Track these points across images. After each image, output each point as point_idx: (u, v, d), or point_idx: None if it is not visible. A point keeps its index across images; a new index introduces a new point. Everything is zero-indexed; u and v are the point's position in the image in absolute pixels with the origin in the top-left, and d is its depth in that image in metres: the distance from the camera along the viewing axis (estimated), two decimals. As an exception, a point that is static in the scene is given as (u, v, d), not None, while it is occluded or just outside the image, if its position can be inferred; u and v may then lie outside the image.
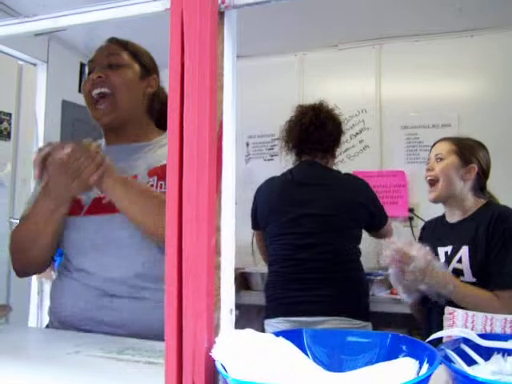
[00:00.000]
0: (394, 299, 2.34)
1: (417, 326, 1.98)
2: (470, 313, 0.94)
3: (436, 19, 2.77)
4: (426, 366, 0.58)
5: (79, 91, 3.15)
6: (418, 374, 0.58)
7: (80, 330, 1.14)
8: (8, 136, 2.78)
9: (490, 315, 0.91)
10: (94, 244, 1.19)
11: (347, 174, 2.15)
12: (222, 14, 0.67)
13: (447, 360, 0.68)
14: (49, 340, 1.12)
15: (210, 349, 0.60)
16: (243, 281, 2.71)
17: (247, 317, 2.45)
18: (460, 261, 1.57)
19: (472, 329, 0.91)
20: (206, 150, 0.63)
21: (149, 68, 1.35)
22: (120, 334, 1.09)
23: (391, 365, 0.62)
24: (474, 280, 1.54)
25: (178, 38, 0.65)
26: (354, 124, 3.10)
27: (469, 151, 1.69)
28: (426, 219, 1.92)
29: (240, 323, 0.66)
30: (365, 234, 2.16)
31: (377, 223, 2.14)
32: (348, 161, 3.05)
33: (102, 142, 1.36)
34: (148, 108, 1.35)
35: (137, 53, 1.34)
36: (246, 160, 3.34)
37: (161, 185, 1.19)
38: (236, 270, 0.68)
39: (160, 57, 1.35)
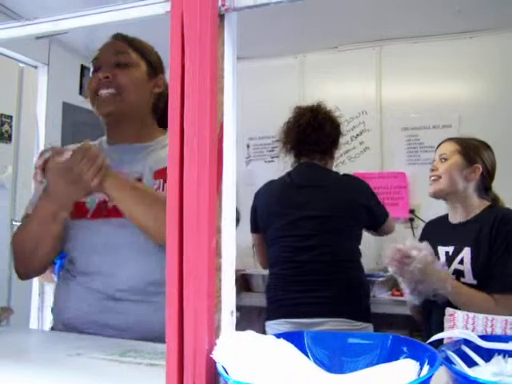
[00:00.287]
0: (395, 300, 2.35)
1: (417, 328, 1.98)
2: (471, 314, 0.94)
3: (435, 21, 2.78)
4: (426, 368, 0.58)
5: (80, 93, 3.16)
6: (418, 375, 0.58)
7: (83, 333, 1.14)
8: (9, 138, 2.78)
9: (490, 316, 0.91)
10: (99, 248, 1.19)
11: (346, 175, 2.14)
12: (222, 17, 0.67)
13: (448, 361, 0.68)
14: (50, 342, 1.12)
15: (210, 350, 0.60)
16: (244, 282, 2.70)
17: (248, 318, 2.45)
18: (462, 262, 1.57)
19: (473, 330, 0.91)
20: (207, 152, 0.63)
21: (156, 67, 1.31)
22: (125, 338, 1.08)
23: (392, 366, 0.62)
24: (474, 282, 1.53)
25: (178, 40, 0.65)
26: (355, 125, 3.10)
27: (473, 151, 1.68)
28: (427, 220, 1.92)
29: (241, 325, 0.66)
30: (365, 236, 2.16)
31: (377, 222, 2.13)
32: (349, 162, 3.05)
33: (104, 141, 1.34)
34: (153, 108, 1.33)
35: (144, 51, 1.30)
36: (246, 162, 3.34)
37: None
38: (237, 271, 0.68)
39: (161, 59, 1.35)
